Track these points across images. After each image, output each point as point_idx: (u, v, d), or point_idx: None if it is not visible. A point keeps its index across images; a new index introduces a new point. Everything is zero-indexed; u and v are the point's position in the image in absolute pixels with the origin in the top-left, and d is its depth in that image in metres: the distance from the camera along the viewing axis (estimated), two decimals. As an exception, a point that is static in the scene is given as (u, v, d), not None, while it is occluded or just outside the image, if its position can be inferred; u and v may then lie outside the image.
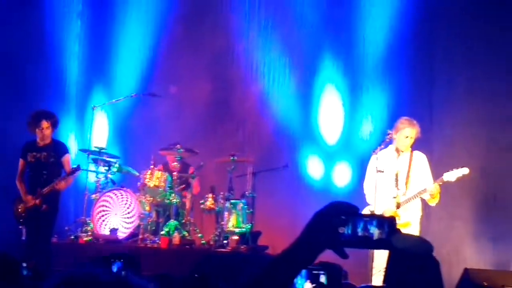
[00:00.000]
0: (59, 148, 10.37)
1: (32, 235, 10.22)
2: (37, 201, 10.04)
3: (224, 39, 13.44)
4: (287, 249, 2.23)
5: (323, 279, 4.42)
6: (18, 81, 12.82)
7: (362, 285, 6.73)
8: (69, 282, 1.86)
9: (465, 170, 9.20)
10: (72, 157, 10.87)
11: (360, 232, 2.25)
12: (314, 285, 4.37)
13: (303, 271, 4.39)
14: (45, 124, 10.21)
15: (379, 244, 2.27)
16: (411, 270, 2.44)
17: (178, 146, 11.54)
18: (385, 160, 9.38)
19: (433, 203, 9.38)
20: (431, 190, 9.17)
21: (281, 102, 13.12)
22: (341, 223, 2.22)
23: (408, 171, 9.42)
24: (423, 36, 12.18)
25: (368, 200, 9.56)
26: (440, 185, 9.20)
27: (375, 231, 2.26)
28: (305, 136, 12.88)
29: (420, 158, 9.52)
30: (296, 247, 2.22)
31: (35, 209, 10.06)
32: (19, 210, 10.22)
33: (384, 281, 3.26)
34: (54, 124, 10.33)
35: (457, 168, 9.22)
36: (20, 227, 10.30)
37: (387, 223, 2.27)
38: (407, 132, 9.35)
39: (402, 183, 9.37)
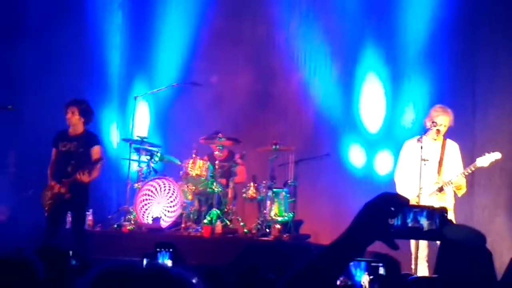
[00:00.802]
0: (90, 139, 10.23)
1: (58, 223, 10.14)
2: (62, 190, 9.94)
3: (265, 28, 13.45)
4: (336, 239, 2.23)
5: (381, 271, 4.43)
6: (60, 73, 12.92)
7: (415, 275, 6.73)
8: (108, 275, 1.89)
9: (497, 155, 9.12)
10: (103, 149, 10.60)
11: (410, 223, 2.25)
12: (372, 277, 4.38)
13: (362, 263, 4.39)
14: (70, 110, 10.12)
15: (430, 235, 2.28)
16: (463, 261, 2.43)
17: (219, 135, 11.57)
18: (424, 148, 9.30)
19: (460, 194, 9.32)
20: (456, 181, 9.11)
21: (323, 91, 13.10)
22: (391, 214, 2.22)
23: (441, 160, 9.35)
24: (466, 24, 12.08)
25: (400, 190, 9.45)
26: (468, 174, 9.12)
27: (425, 222, 2.26)
28: (346, 124, 12.85)
29: (453, 146, 9.45)
30: (345, 238, 2.22)
31: (59, 198, 9.97)
32: (46, 197, 10.11)
33: (435, 271, 3.24)
34: (83, 112, 10.17)
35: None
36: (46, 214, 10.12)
37: (438, 214, 2.27)
38: (440, 120, 9.29)
39: (434, 172, 9.29)
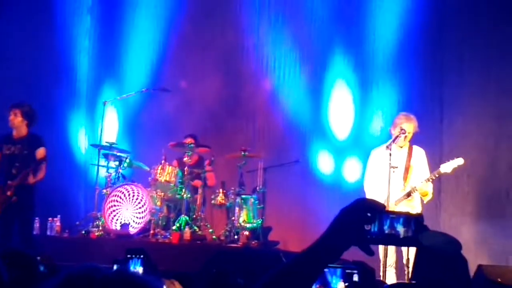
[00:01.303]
0: (34, 141, 10.20)
1: (8, 227, 10.12)
2: (8, 193, 9.91)
3: (234, 34, 13.45)
4: (312, 245, 2.24)
5: (356, 277, 4.43)
6: (28, 77, 12.83)
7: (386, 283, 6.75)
8: (71, 279, 1.86)
9: (460, 161, 9.19)
10: (47, 150, 10.37)
11: (386, 229, 2.26)
12: (347, 284, 4.37)
13: (338, 270, 4.38)
14: (13, 112, 10.12)
15: (406, 242, 2.29)
16: (439, 267, 2.45)
17: (189, 140, 11.55)
18: (386, 157, 9.34)
19: (425, 200, 9.39)
20: (420, 188, 9.17)
21: (292, 97, 13.12)
22: (367, 220, 2.23)
23: (408, 166, 9.39)
24: (433, 31, 12.17)
25: (367, 197, 9.49)
26: (432, 180, 9.19)
27: (401, 229, 2.27)
28: (315, 131, 12.88)
29: (419, 153, 9.51)
30: (321, 243, 2.23)
31: (6, 201, 9.92)
32: None
33: (412, 277, 3.25)
34: (25, 114, 10.18)
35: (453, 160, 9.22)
36: None
37: (414, 221, 2.28)
38: (404, 126, 9.37)
39: (400, 179, 9.36)
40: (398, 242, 2.29)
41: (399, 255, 9.13)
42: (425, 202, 9.41)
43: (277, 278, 2.23)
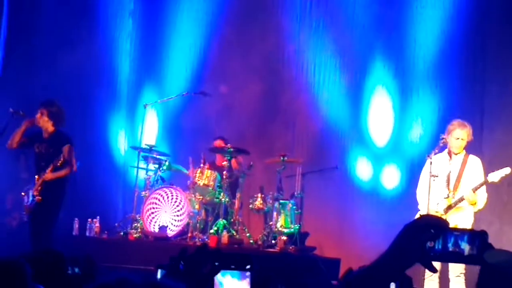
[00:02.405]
0: (59, 139, 10.11)
1: (32, 227, 10.05)
2: (34, 192, 9.89)
3: (275, 39, 13.46)
4: (375, 261, 2.24)
5: (393, 286, 4.39)
6: (70, 80, 12.93)
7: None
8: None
9: (507, 170, 9.11)
10: (72, 148, 10.19)
11: (450, 247, 2.25)
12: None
13: None
14: (40, 111, 10.09)
15: (470, 260, 2.27)
16: (503, 285, 2.42)
17: (228, 145, 11.59)
18: (438, 164, 9.31)
19: (474, 209, 9.30)
20: (467, 197, 9.10)
21: (331, 103, 13.12)
22: (430, 237, 2.22)
23: (460, 174, 9.30)
24: (475, 40, 12.11)
25: (420, 207, 9.50)
26: (477, 188, 9.11)
27: (466, 247, 2.25)
28: (354, 137, 12.87)
29: (475, 161, 9.39)
30: (384, 260, 2.23)
31: (34, 201, 9.93)
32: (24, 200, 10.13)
33: None
34: (51, 114, 10.11)
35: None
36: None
37: (479, 238, 2.26)
38: (457, 133, 9.31)
39: (452, 186, 9.31)
40: (462, 259, 2.27)
41: (443, 266, 8.98)
42: (474, 210, 9.32)
43: None
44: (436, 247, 2.23)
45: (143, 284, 1.82)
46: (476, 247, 2.24)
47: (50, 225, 10.13)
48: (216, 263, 3.23)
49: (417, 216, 9.37)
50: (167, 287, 1.82)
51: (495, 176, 9.10)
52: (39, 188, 9.89)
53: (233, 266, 4.25)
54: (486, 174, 9.24)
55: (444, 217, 9.04)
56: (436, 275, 9.09)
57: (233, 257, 4.05)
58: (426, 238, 2.23)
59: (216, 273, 3.72)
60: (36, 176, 9.98)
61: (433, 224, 2.25)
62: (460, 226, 9.00)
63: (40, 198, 9.88)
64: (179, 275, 3.19)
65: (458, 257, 2.26)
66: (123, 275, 1.88)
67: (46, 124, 10.13)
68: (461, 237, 2.26)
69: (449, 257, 2.27)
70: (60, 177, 10.00)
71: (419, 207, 9.52)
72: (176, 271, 3.21)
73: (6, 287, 3.26)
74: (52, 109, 10.15)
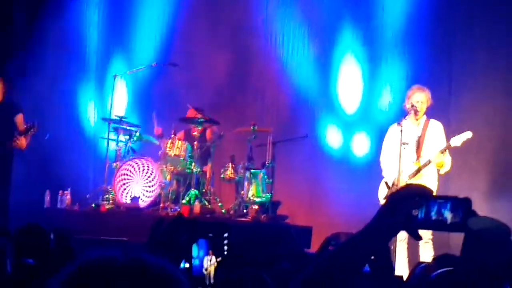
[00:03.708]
0: (11, 108, 10.00)
1: None
2: None
3: (243, 9, 13.45)
4: (361, 230, 2.28)
5: None
6: (38, 51, 12.85)
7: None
8: (85, 270, 1.80)
9: (468, 134, 9.23)
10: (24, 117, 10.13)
11: (434, 215, 2.27)
12: None
13: None
14: None
15: (453, 227, 2.29)
16: (488, 252, 2.46)
17: (199, 115, 11.57)
18: (405, 131, 9.38)
19: (442, 171, 9.40)
20: (434, 159, 9.20)
21: (300, 72, 13.14)
22: (415, 206, 2.26)
23: (422, 140, 9.43)
24: (443, 7, 12.16)
25: (384, 173, 9.61)
26: (443, 152, 9.21)
27: (448, 215, 2.28)
28: (324, 106, 12.92)
29: (436, 126, 9.51)
30: (370, 229, 2.27)
31: None
32: None
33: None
34: (6, 82, 10.02)
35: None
36: None
37: (462, 206, 2.29)
38: (416, 97, 9.41)
39: (414, 153, 9.40)
40: (446, 227, 2.29)
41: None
42: (442, 173, 9.40)
43: (328, 262, 2.28)
44: (420, 216, 2.26)
45: (126, 260, 1.80)
46: (460, 214, 2.28)
47: (7, 197, 10.09)
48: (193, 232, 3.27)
49: (382, 183, 9.49)
50: (151, 263, 1.80)
51: (457, 140, 9.19)
52: None
53: (210, 235, 4.30)
54: (449, 139, 9.35)
55: (409, 181, 9.16)
56: (405, 239, 9.22)
57: (210, 226, 4.09)
58: (411, 206, 2.26)
59: (194, 242, 3.76)
60: None
61: (418, 192, 2.28)
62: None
63: None
64: (158, 246, 3.22)
65: (441, 225, 2.29)
66: (104, 253, 1.86)
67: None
68: (444, 205, 2.28)
69: (432, 225, 2.30)
70: (27, 144, 9.89)
71: (383, 174, 9.61)
72: (156, 241, 3.24)
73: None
74: (7, 76, 10.09)
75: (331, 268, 2.26)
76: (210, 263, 3.97)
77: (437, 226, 2.29)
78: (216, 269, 3.91)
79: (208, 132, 11.97)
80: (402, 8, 12.44)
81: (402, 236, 9.13)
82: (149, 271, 1.80)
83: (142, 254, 1.89)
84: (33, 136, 9.99)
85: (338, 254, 2.30)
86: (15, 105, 10.01)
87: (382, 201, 9.31)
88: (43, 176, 12.14)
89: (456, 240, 3.72)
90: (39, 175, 12.08)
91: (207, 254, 4.01)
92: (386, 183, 9.52)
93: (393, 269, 3.41)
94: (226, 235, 3.85)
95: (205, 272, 3.96)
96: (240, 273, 3.64)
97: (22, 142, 9.75)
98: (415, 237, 2.29)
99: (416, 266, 3.87)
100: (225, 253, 3.99)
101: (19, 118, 9.86)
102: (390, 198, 2.29)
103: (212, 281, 3.93)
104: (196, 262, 3.96)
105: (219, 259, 3.98)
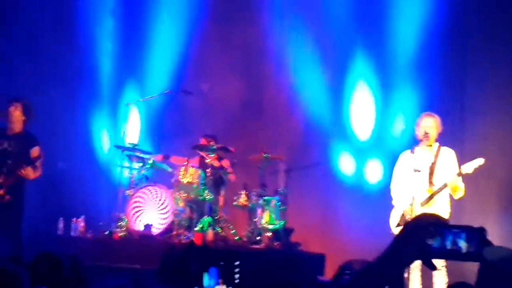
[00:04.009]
0: (30, 138, 9.82)
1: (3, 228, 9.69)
2: (1, 192, 9.60)
3: (255, 36, 13.48)
4: (375, 260, 2.29)
5: None
6: (51, 79, 12.89)
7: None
8: None
9: (480, 161, 9.12)
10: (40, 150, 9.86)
11: (448, 245, 2.28)
12: None
13: None
14: (14, 105, 9.76)
15: (468, 257, 2.30)
16: (503, 283, 2.46)
17: (212, 143, 11.61)
18: (418, 158, 9.34)
19: (455, 196, 9.30)
20: (450, 183, 9.12)
21: (313, 99, 13.16)
22: (430, 235, 2.26)
23: (433, 167, 9.33)
24: (456, 34, 12.15)
25: (394, 202, 9.51)
26: (459, 176, 9.14)
27: (463, 245, 2.28)
28: (336, 132, 12.93)
29: (448, 153, 9.41)
30: (385, 258, 2.28)
31: None
32: None
33: None
34: (26, 111, 9.81)
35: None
36: None
37: (476, 236, 2.29)
38: (425, 122, 9.34)
39: (426, 180, 9.32)
40: (461, 257, 2.30)
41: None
42: (456, 198, 9.30)
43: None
44: (435, 245, 2.26)
45: None
46: (475, 244, 2.27)
47: (21, 226, 9.89)
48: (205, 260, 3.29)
49: (393, 212, 9.42)
50: None
51: (469, 167, 9.10)
52: (5, 187, 9.63)
53: (221, 263, 4.31)
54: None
55: (421, 210, 9.09)
56: (419, 266, 9.16)
57: (222, 254, 4.10)
58: (426, 236, 2.26)
59: (205, 271, 3.77)
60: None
61: (433, 222, 2.29)
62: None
63: (9, 197, 9.64)
64: (169, 273, 3.24)
65: (456, 255, 2.29)
66: (116, 282, 1.90)
67: (17, 119, 9.83)
68: (459, 234, 2.29)
69: (447, 254, 2.30)
70: (36, 178, 9.79)
71: (393, 202, 9.52)
72: (167, 269, 3.26)
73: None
74: (27, 105, 9.89)
75: None
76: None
77: (452, 255, 2.29)
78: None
79: (225, 162, 11.99)
80: (415, 34, 12.45)
81: (416, 263, 9.06)
82: None
83: (150, 283, 1.93)
84: (42, 165, 9.93)
85: (353, 283, 2.31)
86: (32, 137, 9.88)
87: (394, 230, 9.30)
88: (57, 203, 12.17)
89: (471, 267, 3.72)
90: (53, 202, 12.11)
91: (217, 283, 4.01)
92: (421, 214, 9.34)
93: None
94: (237, 263, 3.87)
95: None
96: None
97: (28, 172, 9.62)
98: (430, 267, 2.29)
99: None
100: (236, 281, 4.01)
101: (35, 151, 9.75)
102: (404, 227, 2.30)
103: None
104: (207, 291, 3.98)
105: (229, 288, 4.00)
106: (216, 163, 11.93)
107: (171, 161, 12.25)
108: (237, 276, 3.89)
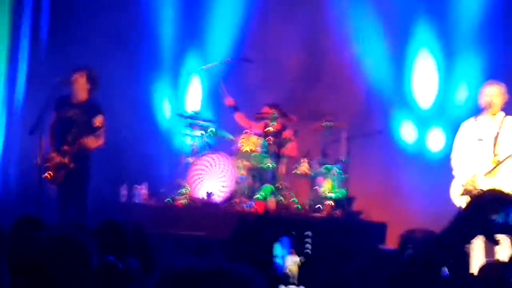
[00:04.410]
0: (95, 107, 9.91)
1: (68, 195, 9.90)
2: (65, 160, 9.72)
3: (317, 5, 13.41)
4: (441, 232, 2.30)
5: None
6: (113, 48, 12.96)
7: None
8: (170, 278, 1.88)
9: None
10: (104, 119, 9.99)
11: (511, 221, 2.28)
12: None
13: None
14: (79, 73, 9.88)
15: None
16: None
17: (273, 111, 11.62)
18: (481, 128, 9.23)
19: None
20: None
21: (375, 67, 13.08)
22: (495, 211, 2.26)
23: (496, 137, 9.18)
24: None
25: (455, 172, 9.39)
26: None
27: None
28: (398, 101, 12.85)
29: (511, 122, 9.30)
30: (450, 232, 2.29)
31: (63, 168, 9.76)
32: (46, 166, 9.75)
33: None
34: (91, 79, 9.95)
35: None
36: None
37: None
38: (488, 91, 9.20)
39: (490, 150, 9.17)
40: None
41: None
42: None
43: (410, 261, 2.30)
44: (498, 220, 2.26)
45: (208, 272, 1.84)
46: None
47: (86, 193, 10.09)
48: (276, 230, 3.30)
49: (454, 182, 9.30)
50: (234, 273, 1.83)
51: None
52: (71, 155, 9.77)
53: (293, 233, 4.33)
54: None
55: (485, 181, 8.96)
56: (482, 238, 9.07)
57: (293, 224, 4.11)
58: (491, 211, 2.26)
59: (277, 240, 3.79)
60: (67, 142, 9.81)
61: (499, 198, 2.28)
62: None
63: (74, 165, 9.76)
64: (241, 243, 3.26)
65: None
66: (187, 264, 1.90)
67: (82, 87, 9.96)
68: None
69: (510, 229, 2.30)
70: (99, 146, 9.93)
71: (453, 173, 9.40)
72: (239, 239, 3.28)
73: (69, 263, 3.32)
74: (92, 74, 10.01)
75: (413, 267, 2.28)
76: (292, 262, 3.99)
77: None
78: (299, 269, 3.94)
79: (288, 131, 11.94)
80: (479, 1, 12.28)
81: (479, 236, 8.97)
82: (227, 277, 1.84)
83: (219, 261, 1.92)
84: (104, 134, 9.99)
85: (417, 256, 2.32)
86: (96, 106, 9.98)
87: (455, 201, 9.19)
88: (119, 171, 12.30)
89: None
90: (115, 170, 12.24)
91: (289, 253, 4.03)
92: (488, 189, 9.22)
93: (469, 271, 3.39)
94: (309, 233, 3.87)
95: (288, 272, 3.99)
96: (327, 274, 3.67)
97: (90, 141, 9.71)
98: (493, 242, 2.29)
99: (485, 265, 3.84)
100: (308, 252, 4.03)
101: (98, 120, 9.81)
102: (469, 203, 2.30)
103: (295, 280, 3.97)
104: (279, 261, 4.00)
105: (302, 258, 4.01)
106: (278, 131, 11.92)
107: (236, 117, 12.25)
108: (308, 246, 3.89)
